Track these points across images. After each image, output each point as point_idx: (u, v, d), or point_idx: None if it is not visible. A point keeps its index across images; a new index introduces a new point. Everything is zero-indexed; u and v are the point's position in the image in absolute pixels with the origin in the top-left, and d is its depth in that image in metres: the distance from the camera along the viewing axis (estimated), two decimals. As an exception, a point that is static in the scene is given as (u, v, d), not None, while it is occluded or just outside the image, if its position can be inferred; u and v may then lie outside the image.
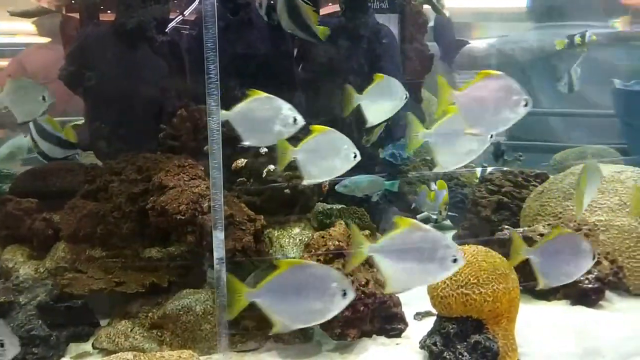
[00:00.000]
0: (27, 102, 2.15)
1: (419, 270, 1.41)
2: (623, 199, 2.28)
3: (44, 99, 2.15)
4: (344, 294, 1.35)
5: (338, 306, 1.36)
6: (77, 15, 2.67)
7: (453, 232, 3.06)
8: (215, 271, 1.49)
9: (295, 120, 1.64)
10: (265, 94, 1.64)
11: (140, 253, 1.99)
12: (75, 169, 2.36)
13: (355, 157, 1.66)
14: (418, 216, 3.31)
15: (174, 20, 2.58)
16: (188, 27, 2.57)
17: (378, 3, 2.94)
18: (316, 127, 1.65)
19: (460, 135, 1.60)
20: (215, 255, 1.47)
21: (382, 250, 1.39)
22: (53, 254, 2.12)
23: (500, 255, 1.74)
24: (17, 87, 2.17)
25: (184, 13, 2.56)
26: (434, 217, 3.29)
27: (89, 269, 1.96)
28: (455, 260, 1.40)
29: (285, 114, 1.65)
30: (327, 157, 1.64)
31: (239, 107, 1.62)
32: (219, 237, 1.46)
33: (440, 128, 1.63)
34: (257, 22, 2.54)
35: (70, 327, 1.87)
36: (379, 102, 1.99)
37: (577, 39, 3.08)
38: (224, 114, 1.61)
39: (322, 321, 1.43)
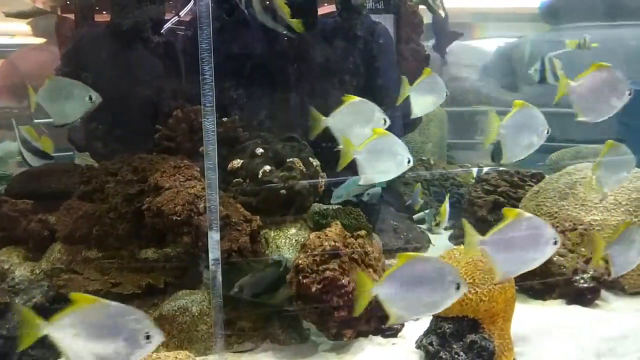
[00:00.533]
0: (68, 103, 2.03)
1: (524, 256, 1.53)
2: (618, 198, 2.28)
3: (90, 99, 2.00)
4: (457, 287, 1.41)
5: (452, 298, 1.43)
6: (72, 16, 2.65)
7: (450, 232, 3.06)
8: (210, 272, 1.49)
9: (385, 121, 1.81)
10: (359, 99, 1.81)
11: (136, 254, 1.99)
12: (70, 170, 2.36)
13: (408, 162, 1.74)
14: (415, 216, 3.32)
15: (170, 21, 2.57)
16: (183, 27, 2.56)
17: (373, 3, 2.95)
18: (377, 129, 1.73)
19: (525, 129, 1.77)
20: (211, 256, 1.47)
21: (491, 242, 1.47)
22: (49, 255, 2.11)
23: (495, 256, 1.73)
24: (57, 86, 2.05)
25: (180, 14, 2.55)
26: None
27: (85, 270, 1.95)
28: (555, 242, 1.52)
29: (377, 116, 1.80)
30: (385, 160, 1.72)
31: (337, 112, 1.78)
32: (214, 237, 1.46)
33: (509, 121, 1.75)
34: (252, 22, 2.54)
35: (66, 328, 1.87)
36: (425, 96, 2.09)
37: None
38: (324, 120, 1.77)
39: (435, 312, 1.53)
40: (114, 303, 1.21)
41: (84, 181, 2.12)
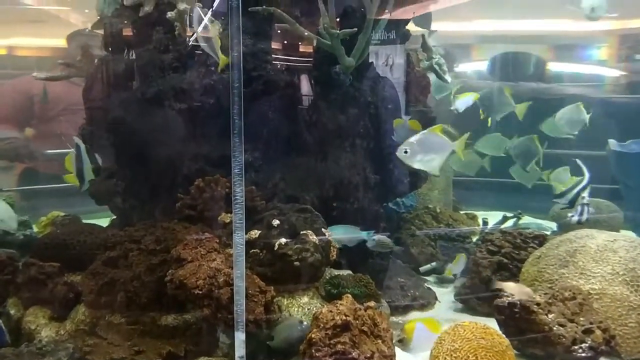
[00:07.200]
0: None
1: None
2: (616, 268, 2.38)
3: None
4: None
5: None
6: (99, 81, 2.81)
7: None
8: (237, 367, 1.59)
9: None
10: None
11: (158, 320, 2.09)
12: (95, 232, 2.49)
13: None
14: (421, 268, 3.41)
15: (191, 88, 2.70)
16: (204, 95, 2.69)
17: (386, 34, 3.09)
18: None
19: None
20: (237, 354, 1.57)
21: None
22: (74, 316, 2.23)
23: (498, 332, 1.84)
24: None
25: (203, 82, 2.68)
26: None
27: (109, 335, 2.06)
28: None
29: None
30: None
31: None
32: (240, 337, 1.56)
33: None
34: (269, 92, 2.69)
35: (90, 389, 1.98)
36: None
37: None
38: None
39: None
40: None
41: (109, 247, 2.24)
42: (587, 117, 3.58)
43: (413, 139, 2.48)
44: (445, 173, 4.68)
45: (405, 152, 2.46)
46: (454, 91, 3.67)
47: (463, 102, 3.51)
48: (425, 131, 2.51)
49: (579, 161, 3.01)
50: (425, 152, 2.48)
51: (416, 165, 2.49)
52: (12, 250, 2.72)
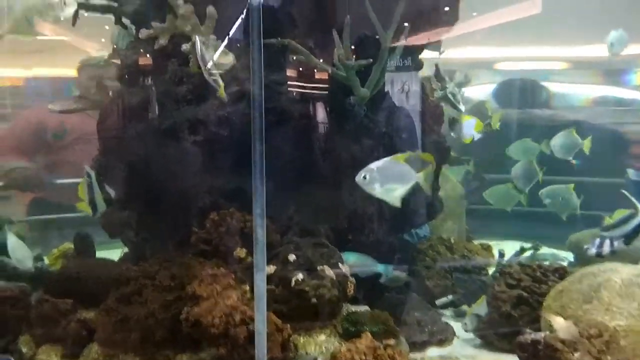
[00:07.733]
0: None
1: None
2: (642, 304, 2.32)
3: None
4: None
5: None
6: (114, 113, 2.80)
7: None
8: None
9: None
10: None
11: (172, 359, 2.04)
12: (109, 267, 2.45)
13: None
14: (437, 301, 3.34)
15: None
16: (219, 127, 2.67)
17: (402, 61, 3.06)
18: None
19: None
20: None
21: None
22: (86, 354, 2.18)
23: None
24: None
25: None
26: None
27: (122, 374, 2.01)
28: None
29: None
30: None
31: None
32: None
33: None
34: (283, 123, 2.67)
35: None
36: None
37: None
38: None
39: None
40: None
41: (123, 282, 2.20)
42: (581, 142, 3.55)
43: (374, 165, 2.34)
44: (459, 203, 4.63)
45: (364, 177, 2.32)
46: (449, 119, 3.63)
47: (466, 127, 3.45)
48: (388, 158, 2.37)
49: (626, 192, 2.89)
50: (386, 180, 2.33)
51: (376, 194, 2.34)
52: (23, 283, 2.69)
